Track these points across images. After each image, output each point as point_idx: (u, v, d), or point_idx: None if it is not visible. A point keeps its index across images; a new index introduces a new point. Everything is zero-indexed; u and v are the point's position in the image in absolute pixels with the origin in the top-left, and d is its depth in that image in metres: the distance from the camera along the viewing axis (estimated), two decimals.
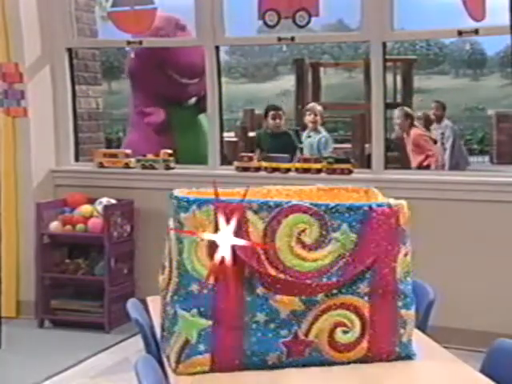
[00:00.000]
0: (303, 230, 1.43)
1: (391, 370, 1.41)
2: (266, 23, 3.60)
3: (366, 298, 1.42)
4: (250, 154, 3.99)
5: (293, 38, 3.65)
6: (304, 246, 1.42)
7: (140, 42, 4.07)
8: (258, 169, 3.82)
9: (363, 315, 1.43)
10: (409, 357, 1.46)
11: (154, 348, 1.59)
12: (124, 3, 4.00)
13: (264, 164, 3.80)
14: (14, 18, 3.86)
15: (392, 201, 1.47)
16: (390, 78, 8.69)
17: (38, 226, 3.85)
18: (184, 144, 4.68)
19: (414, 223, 1.50)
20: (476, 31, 3.28)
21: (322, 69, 10.18)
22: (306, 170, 3.69)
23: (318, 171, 3.69)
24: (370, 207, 1.44)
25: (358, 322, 1.42)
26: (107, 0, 5.05)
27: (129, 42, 4.11)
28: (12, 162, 4.01)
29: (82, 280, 3.88)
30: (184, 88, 4.83)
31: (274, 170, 3.77)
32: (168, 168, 4.01)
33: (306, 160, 3.74)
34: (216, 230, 1.40)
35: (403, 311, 1.45)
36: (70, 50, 4.16)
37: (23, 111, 3.96)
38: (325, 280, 1.42)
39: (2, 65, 3.92)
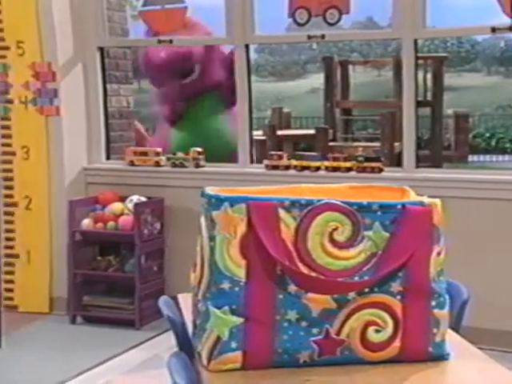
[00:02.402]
0: (335, 229, 1.42)
1: (424, 370, 1.40)
2: (296, 21, 3.59)
3: (399, 297, 1.41)
4: (280, 153, 4.00)
5: (323, 36, 3.65)
6: (336, 244, 1.42)
7: (170, 41, 4.09)
8: (287, 167, 3.82)
9: (395, 314, 1.41)
10: (442, 357, 1.44)
11: (185, 345, 1.60)
12: (155, 2, 4.04)
13: (294, 162, 3.80)
14: (46, 17, 3.92)
15: (426, 199, 1.45)
16: (420, 75, 8.62)
17: (70, 223, 3.90)
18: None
19: (446, 222, 1.48)
20: (510, 28, 3.24)
21: (350, 67, 10.12)
22: (336, 169, 3.68)
23: (348, 170, 3.67)
24: (404, 205, 1.43)
25: (390, 321, 1.41)
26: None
27: (159, 41, 4.14)
28: (45, 160, 4.07)
29: (113, 277, 3.92)
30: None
31: (304, 168, 3.76)
32: (198, 166, 4.04)
33: (335, 158, 3.73)
34: (248, 227, 1.40)
35: (436, 311, 1.43)
36: (101, 49, 4.21)
37: (56, 110, 4.02)
38: (357, 279, 1.41)
39: (36, 64, 3.98)
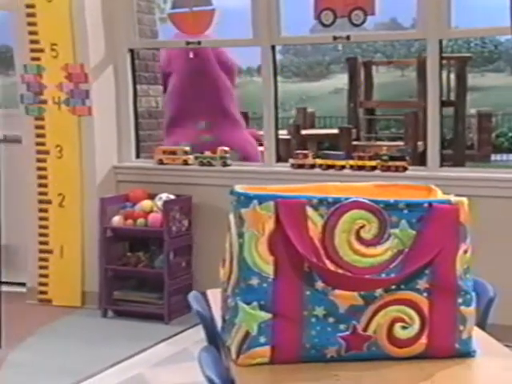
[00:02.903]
0: (362, 226, 1.41)
1: (451, 367, 1.38)
2: (321, 22, 3.57)
3: (425, 294, 1.40)
4: (305, 152, 3.98)
5: (348, 37, 3.62)
6: (363, 241, 1.41)
7: (199, 42, 4.10)
8: (312, 166, 3.80)
9: (422, 311, 1.40)
10: (468, 353, 1.42)
11: (214, 339, 1.60)
12: (183, 5, 4.04)
13: (319, 161, 3.78)
14: (79, 21, 3.95)
15: (453, 198, 1.44)
16: (443, 76, 8.52)
17: (101, 220, 3.93)
18: None
19: (471, 221, 1.46)
20: None
21: (374, 67, 10.05)
22: (361, 167, 3.66)
23: (373, 168, 3.64)
24: (430, 204, 1.41)
25: (416, 318, 1.40)
26: (165, 2, 5.11)
27: (188, 43, 4.15)
28: (77, 159, 4.10)
29: (143, 272, 3.94)
30: None
31: (329, 167, 3.74)
32: (225, 165, 4.04)
33: (360, 157, 3.70)
34: (276, 224, 1.39)
35: (463, 308, 1.42)
36: (131, 51, 4.23)
37: (88, 110, 4.05)
38: (383, 276, 1.39)
39: (69, 66, 4.01)
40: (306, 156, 3.84)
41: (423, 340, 1.40)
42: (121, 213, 3.94)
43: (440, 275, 1.40)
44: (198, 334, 1.82)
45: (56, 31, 3.99)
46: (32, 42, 4.03)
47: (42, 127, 4.12)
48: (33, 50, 4.04)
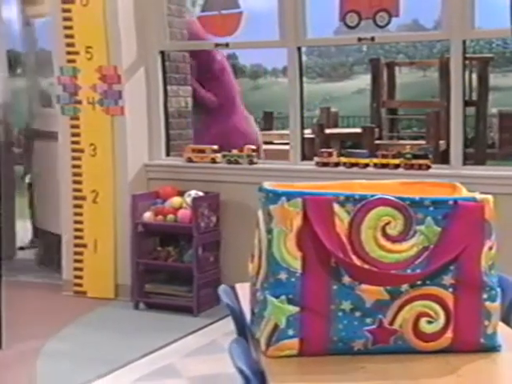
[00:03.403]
0: (388, 223, 1.39)
1: (476, 361, 1.36)
2: (346, 24, 3.55)
3: (451, 290, 1.38)
4: (330, 150, 3.96)
5: (373, 38, 3.59)
6: (389, 238, 1.39)
7: (227, 44, 4.10)
8: (337, 164, 3.78)
9: (447, 306, 1.38)
10: (494, 348, 1.40)
11: (243, 331, 1.60)
12: (212, 8, 4.05)
13: (343, 159, 3.76)
14: (113, 24, 3.98)
15: (478, 195, 1.42)
16: (465, 76, 8.40)
17: (133, 215, 3.96)
18: None
19: (495, 218, 1.44)
20: None
21: (397, 68, 9.97)
22: (384, 166, 3.63)
23: (396, 166, 3.61)
24: (456, 201, 1.40)
25: (442, 313, 1.38)
26: (194, 6, 5.12)
27: (216, 45, 4.16)
28: (110, 157, 4.13)
29: (173, 266, 3.96)
30: None
31: (353, 165, 3.72)
32: (252, 163, 4.04)
33: (384, 155, 3.68)
34: (304, 221, 1.39)
35: (488, 303, 1.40)
36: (162, 53, 4.25)
37: (120, 110, 4.08)
38: (409, 271, 1.38)
39: (102, 68, 4.05)
40: (330, 154, 3.82)
41: (449, 334, 1.38)
42: (151, 209, 3.97)
43: (465, 271, 1.38)
44: (226, 326, 1.83)
45: (91, 35, 4.03)
46: (68, 45, 4.08)
47: (76, 126, 4.16)
48: (69, 53, 4.09)
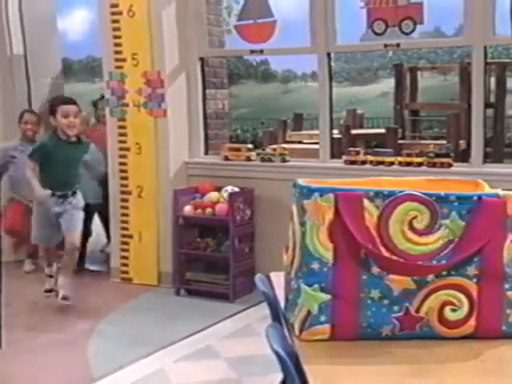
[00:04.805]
0: (415, 217, 1.38)
1: (498, 347, 1.34)
2: (373, 31, 3.51)
3: (475, 280, 1.36)
4: (357, 149, 3.93)
5: (398, 45, 3.55)
6: (415, 231, 1.38)
7: (261, 51, 4.09)
8: (363, 162, 3.75)
9: (471, 295, 1.36)
10: None
11: (277, 317, 1.60)
12: (248, 17, 4.04)
13: (370, 157, 3.73)
14: (157, 33, 4.01)
15: (501, 191, 1.39)
16: None
17: (174, 209, 3.99)
18: None
19: None
20: None
21: (419, 72, 9.84)
22: (408, 164, 3.59)
23: (419, 165, 3.57)
24: (479, 197, 1.38)
25: (465, 302, 1.36)
26: (230, 16, 5.11)
27: (252, 51, 4.15)
28: (154, 155, 4.17)
29: (211, 256, 3.98)
30: None
31: (379, 163, 3.69)
32: (284, 161, 4.03)
33: (408, 154, 3.63)
34: (335, 215, 1.38)
35: (510, 293, 1.37)
36: (202, 59, 4.26)
37: (163, 112, 4.11)
38: (435, 262, 1.37)
39: (147, 73, 4.08)
40: (357, 153, 3.79)
41: (472, 322, 1.36)
42: (191, 203, 3.99)
43: (488, 263, 1.36)
44: (260, 312, 1.83)
45: (137, 43, 4.06)
46: (116, 52, 4.12)
47: (123, 127, 4.20)
48: (117, 60, 4.13)
